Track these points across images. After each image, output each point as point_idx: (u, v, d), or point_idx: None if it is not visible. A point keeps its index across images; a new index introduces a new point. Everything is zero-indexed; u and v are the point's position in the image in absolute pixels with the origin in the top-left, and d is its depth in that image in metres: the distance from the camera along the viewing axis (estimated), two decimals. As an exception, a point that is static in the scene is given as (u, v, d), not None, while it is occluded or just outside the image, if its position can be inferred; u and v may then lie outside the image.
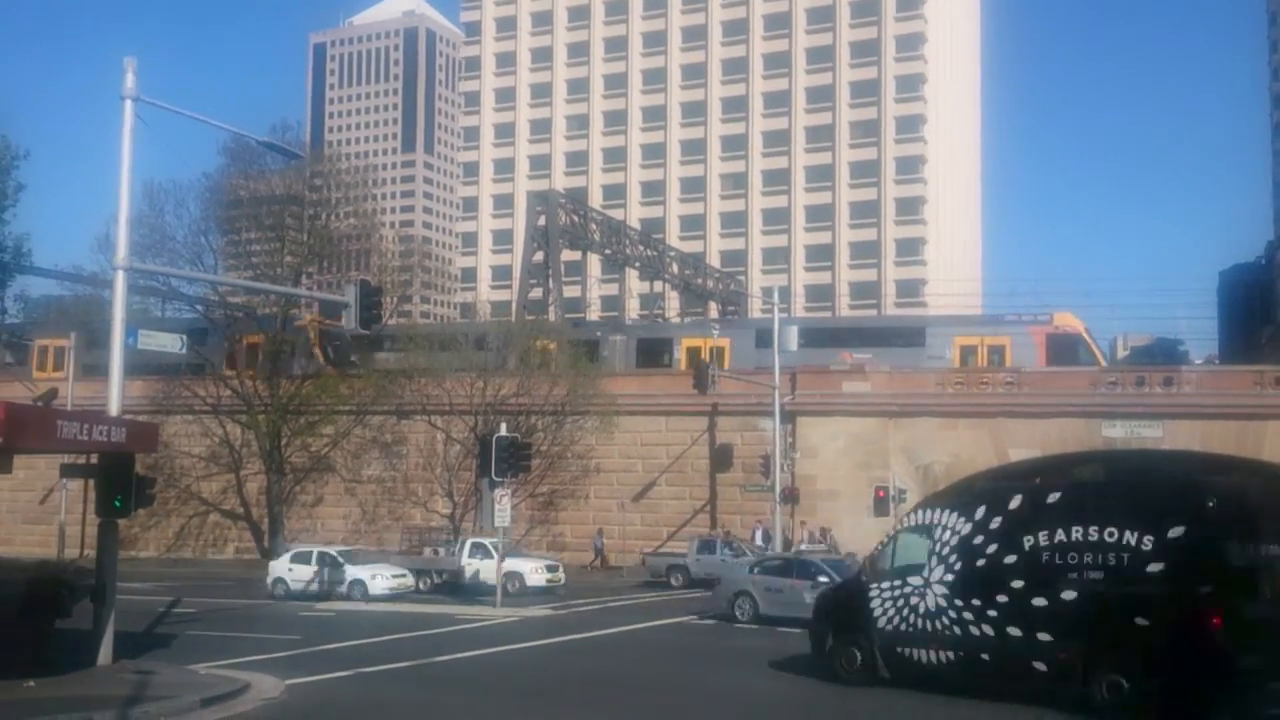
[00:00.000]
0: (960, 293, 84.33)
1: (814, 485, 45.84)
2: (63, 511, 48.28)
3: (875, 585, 18.55)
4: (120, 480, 19.80)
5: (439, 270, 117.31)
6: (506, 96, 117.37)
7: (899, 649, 17.98)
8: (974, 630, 17.06)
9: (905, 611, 17.91)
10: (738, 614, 28.96)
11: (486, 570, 37.22)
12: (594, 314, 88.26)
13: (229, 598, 35.08)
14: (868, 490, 44.50)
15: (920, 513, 19.01)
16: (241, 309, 52.12)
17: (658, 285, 76.00)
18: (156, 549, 51.22)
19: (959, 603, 17.30)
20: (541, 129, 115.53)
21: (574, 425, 46.60)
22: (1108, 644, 15.80)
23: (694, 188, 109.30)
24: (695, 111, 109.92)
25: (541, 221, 62.76)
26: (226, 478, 50.80)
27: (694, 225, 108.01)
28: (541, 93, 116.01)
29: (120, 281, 21.57)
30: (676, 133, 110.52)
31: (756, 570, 30.48)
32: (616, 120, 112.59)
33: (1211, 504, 16.13)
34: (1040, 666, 16.36)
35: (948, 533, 17.76)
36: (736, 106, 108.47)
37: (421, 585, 37.36)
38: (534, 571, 38.51)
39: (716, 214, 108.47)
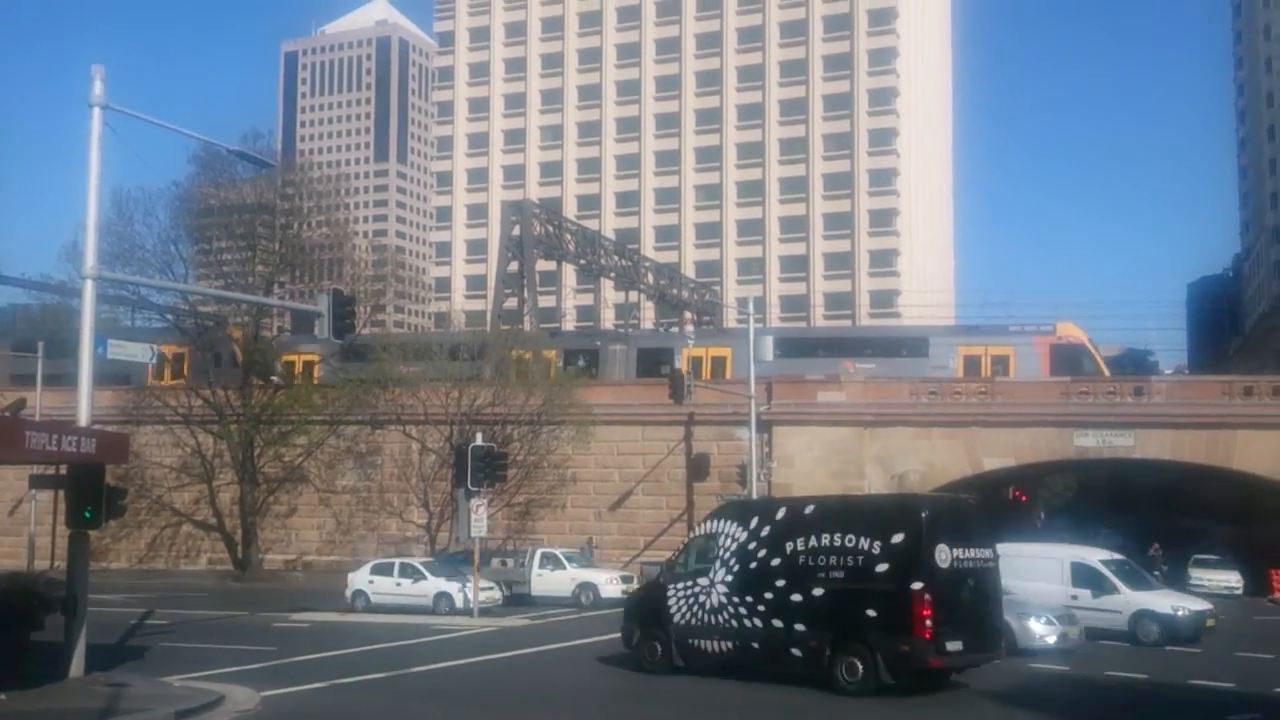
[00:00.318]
0: (933, 303, 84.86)
1: (790, 494, 45.67)
2: (32, 523, 47.65)
3: (672, 586, 21.31)
4: (90, 491, 19.56)
5: (412, 280, 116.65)
6: (480, 106, 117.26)
7: (690, 640, 20.78)
8: (748, 623, 19.98)
9: (695, 608, 20.74)
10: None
11: (554, 582, 37.07)
12: (569, 324, 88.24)
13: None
14: (844, 499, 44.56)
15: (709, 523, 21.90)
16: (212, 318, 51.63)
17: (633, 295, 76.04)
18: (128, 560, 50.55)
19: (736, 600, 20.18)
20: (516, 139, 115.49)
21: (550, 435, 46.44)
22: (846, 632, 18.73)
23: (669, 199, 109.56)
24: (669, 123, 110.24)
25: (516, 231, 62.62)
26: (199, 488, 50.26)
27: (669, 236, 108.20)
28: (515, 103, 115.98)
29: (89, 291, 21.34)
30: (651, 144, 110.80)
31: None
32: (591, 131, 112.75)
33: (925, 514, 19.04)
34: (797, 653, 19.36)
35: (729, 540, 20.67)
36: (710, 118, 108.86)
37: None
38: (609, 583, 37.54)
39: (691, 225, 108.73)
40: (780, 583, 19.59)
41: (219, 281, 50.41)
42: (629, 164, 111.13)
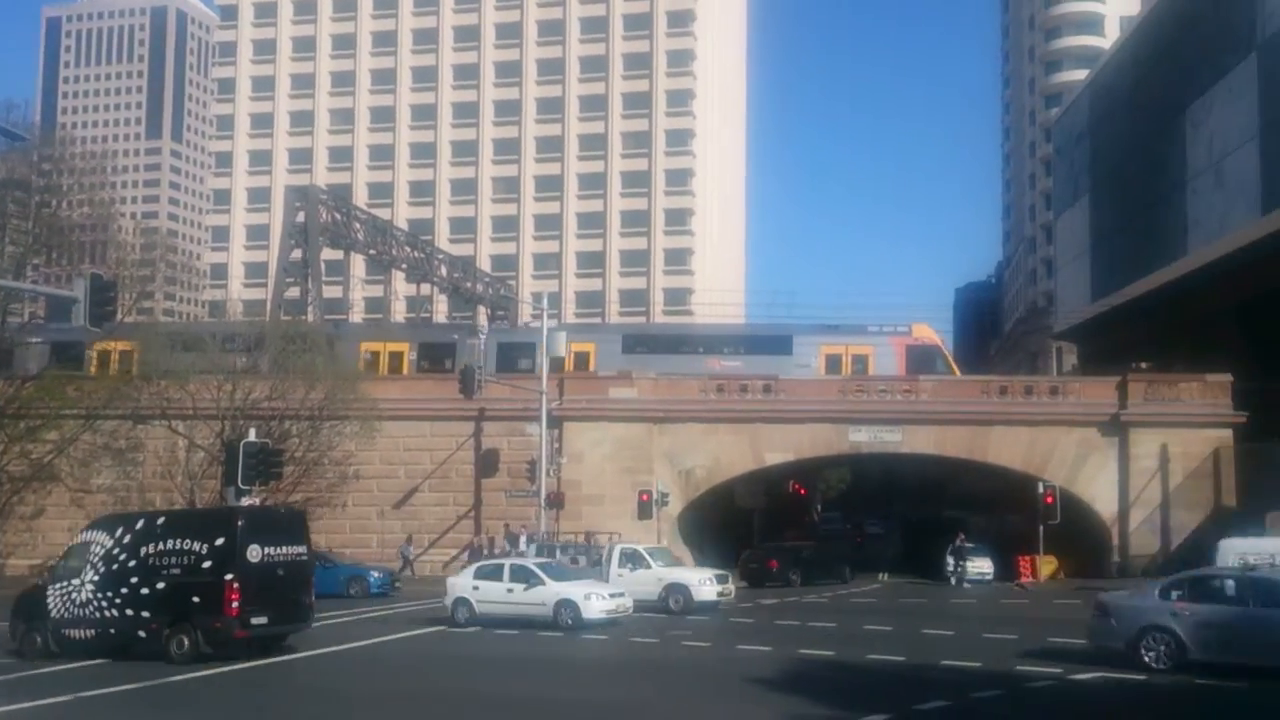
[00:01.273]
0: (725, 302, 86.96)
1: (579, 490, 45.88)
2: None
3: (51, 586, 25.00)
4: None
5: (185, 265, 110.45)
6: (265, 86, 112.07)
7: (64, 631, 24.45)
8: (109, 613, 24.05)
9: (69, 604, 24.50)
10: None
11: (636, 583, 32.31)
12: (356, 315, 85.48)
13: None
14: (632, 494, 44.95)
15: (84, 533, 25.90)
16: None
17: (425, 288, 74.38)
18: None
19: (101, 595, 24.16)
20: (303, 121, 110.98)
21: (333, 430, 44.70)
22: (178, 615, 23.30)
23: (465, 190, 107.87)
24: (467, 113, 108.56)
25: (300, 218, 60.14)
26: (-68, 488, 45.69)
27: (464, 228, 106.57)
28: (303, 84, 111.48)
29: None
30: (447, 133, 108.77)
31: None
32: (384, 117, 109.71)
33: (240, 522, 23.89)
34: (143, 634, 23.70)
35: (99, 546, 24.64)
36: (509, 110, 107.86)
37: None
38: (702, 583, 33.30)
39: (488, 218, 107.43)
40: (134, 579, 23.89)
41: (-40, 262, 45.98)
42: (424, 153, 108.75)
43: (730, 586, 34.63)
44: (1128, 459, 44.83)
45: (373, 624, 30.40)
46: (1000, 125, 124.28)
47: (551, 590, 28.68)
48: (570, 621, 27.80)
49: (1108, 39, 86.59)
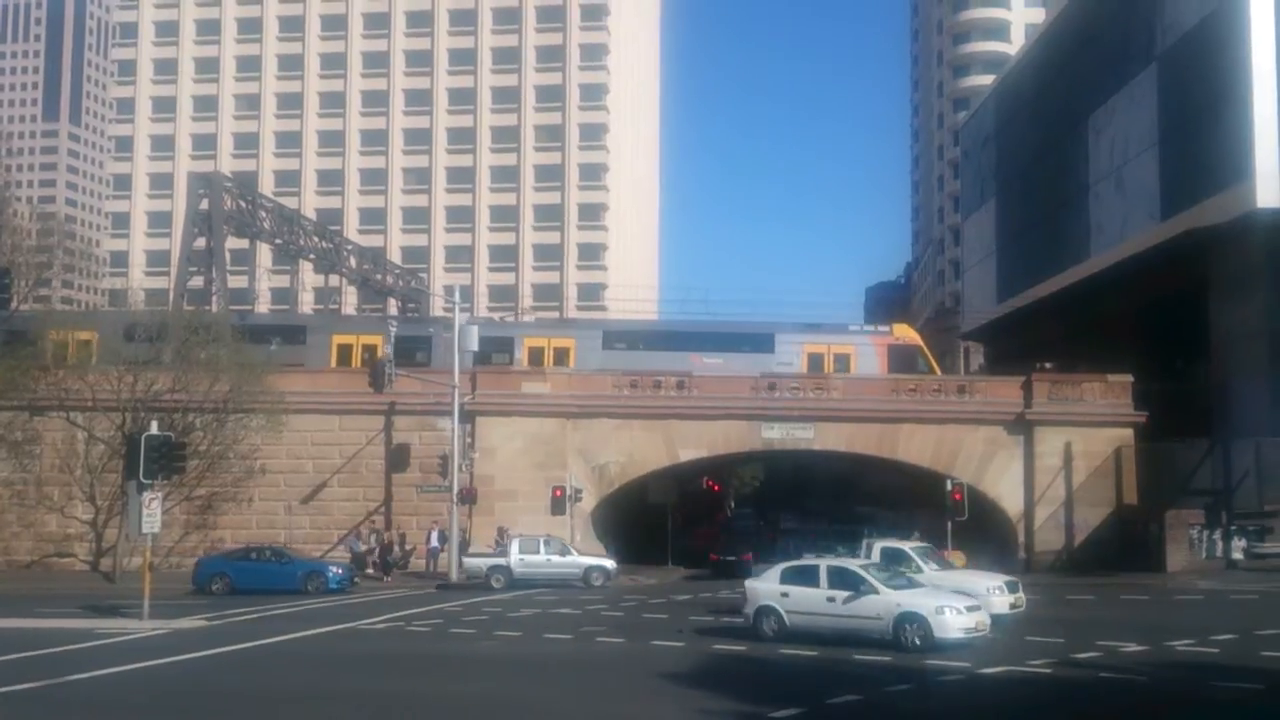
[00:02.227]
0: (638, 298, 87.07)
1: (492, 485, 45.42)
2: None
3: None
4: None
5: (84, 252, 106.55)
6: (167, 69, 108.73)
7: None
8: None
9: None
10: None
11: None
12: (262, 306, 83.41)
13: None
14: (545, 490, 44.65)
15: None
16: None
17: (334, 279, 72.94)
18: None
19: None
20: (207, 106, 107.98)
21: (238, 423, 43.52)
22: None
23: (375, 180, 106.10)
24: (377, 101, 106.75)
25: (204, 205, 58.56)
26: None
27: (374, 219, 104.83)
28: (208, 68, 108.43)
29: None
30: (356, 121, 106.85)
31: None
32: (291, 103, 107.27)
33: None
34: None
35: None
36: (420, 100, 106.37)
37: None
38: (993, 591, 26.89)
39: (398, 208, 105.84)
40: None
41: None
42: (332, 140, 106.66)
43: (1022, 596, 27.85)
44: (1033, 457, 45.96)
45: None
46: (910, 127, 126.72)
47: (888, 601, 22.77)
48: (918, 642, 21.96)
49: (1014, 45, 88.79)
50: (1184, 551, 41.80)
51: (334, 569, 38.93)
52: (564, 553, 40.52)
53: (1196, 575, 39.65)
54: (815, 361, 51.33)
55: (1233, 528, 42.11)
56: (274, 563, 38.64)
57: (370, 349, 51.42)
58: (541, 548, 40.01)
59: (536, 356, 50.94)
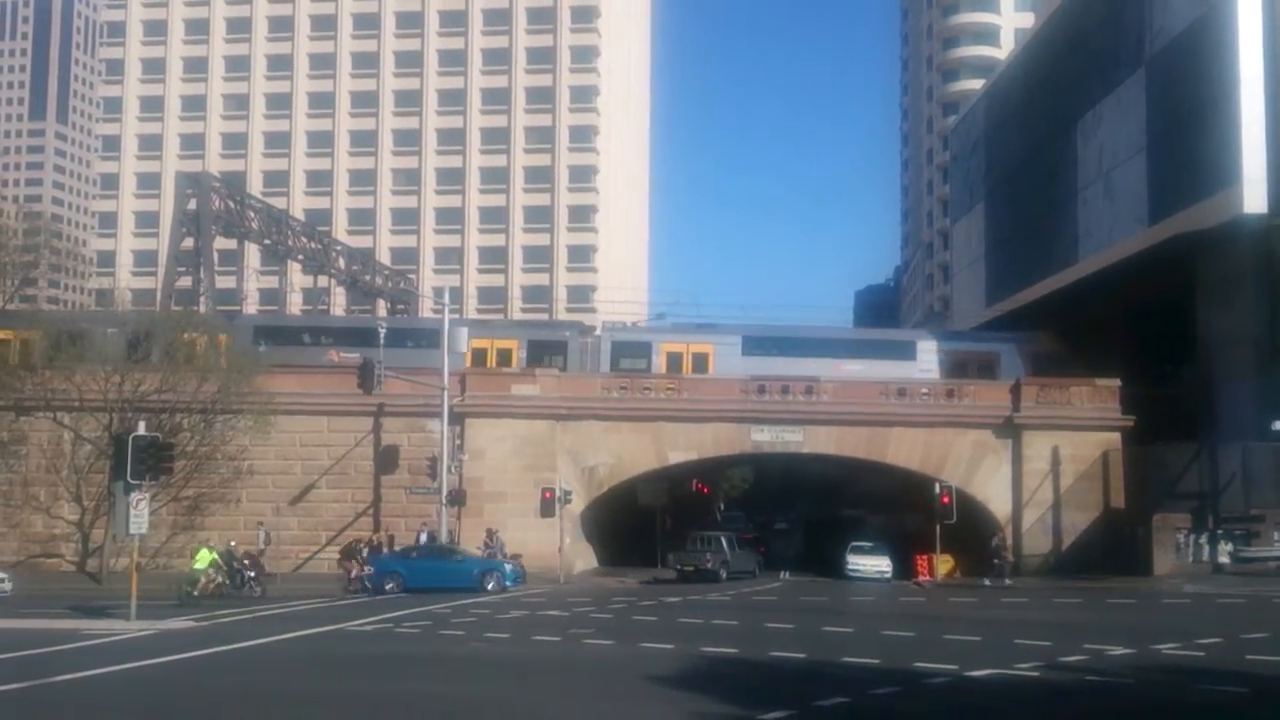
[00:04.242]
0: (628, 300, 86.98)
1: (481, 487, 45.40)
2: None
3: None
4: None
5: (70, 252, 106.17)
6: (155, 68, 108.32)
7: None
8: None
9: None
10: None
11: None
12: (250, 307, 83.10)
13: None
14: (535, 492, 44.61)
15: None
16: None
17: (323, 280, 72.76)
18: None
19: None
20: (195, 106, 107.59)
21: (226, 424, 43.40)
22: None
23: (364, 180, 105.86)
24: (367, 102, 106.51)
25: (192, 205, 58.41)
26: None
27: (363, 220, 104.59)
28: (196, 67, 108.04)
29: None
30: (346, 122, 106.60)
31: None
32: (280, 104, 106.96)
33: None
34: None
35: None
36: (410, 100, 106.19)
37: None
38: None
39: (388, 210, 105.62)
40: None
41: None
42: (321, 141, 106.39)
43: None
44: (1021, 460, 46.15)
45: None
46: (900, 132, 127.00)
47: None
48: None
49: (1003, 50, 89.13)
50: (1171, 555, 42.00)
51: (509, 565, 39.33)
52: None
53: (1183, 579, 39.81)
54: (958, 368, 50.88)
55: (1219, 531, 42.32)
56: (449, 560, 38.98)
57: (504, 352, 50.98)
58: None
59: (674, 362, 50.36)
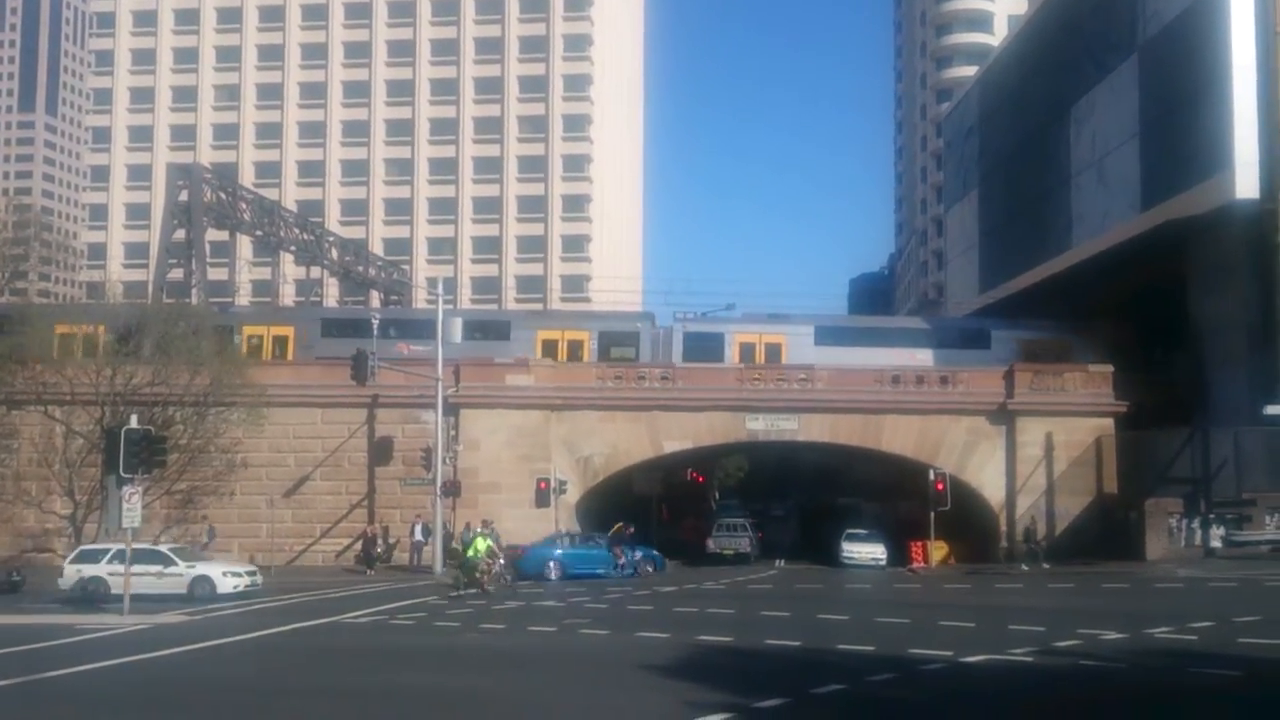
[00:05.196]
0: (622, 289, 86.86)
1: (476, 478, 45.35)
2: None
3: None
4: None
5: (61, 244, 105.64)
6: (145, 59, 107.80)
7: None
8: None
9: None
10: None
11: None
12: (243, 299, 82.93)
13: None
14: (529, 482, 44.63)
15: None
16: None
17: (315, 271, 72.59)
18: None
19: None
20: (186, 97, 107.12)
21: (219, 417, 43.28)
22: None
23: (356, 171, 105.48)
24: (358, 92, 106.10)
25: (184, 197, 58.13)
26: None
27: (356, 210, 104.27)
28: (187, 58, 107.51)
29: None
30: (338, 112, 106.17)
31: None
32: (271, 94, 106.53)
33: None
34: None
35: None
36: (402, 90, 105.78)
37: None
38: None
39: (380, 200, 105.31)
40: None
41: None
42: (313, 132, 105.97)
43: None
44: (1015, 447, 46.21)
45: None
46: (893, 119, 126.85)
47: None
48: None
49: (997, 36, 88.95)
50: (1163, 540, 42.13)
51: (653, 551, 43.86)
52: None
53: (1176, 563, 39.94)
54: (1030, 355, 50.58)
55: (1211, 516, 42.46)
56: (600, 549, 41.35)
57: (575, 344, 50.94)
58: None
59: (748, 353, 50.17)
